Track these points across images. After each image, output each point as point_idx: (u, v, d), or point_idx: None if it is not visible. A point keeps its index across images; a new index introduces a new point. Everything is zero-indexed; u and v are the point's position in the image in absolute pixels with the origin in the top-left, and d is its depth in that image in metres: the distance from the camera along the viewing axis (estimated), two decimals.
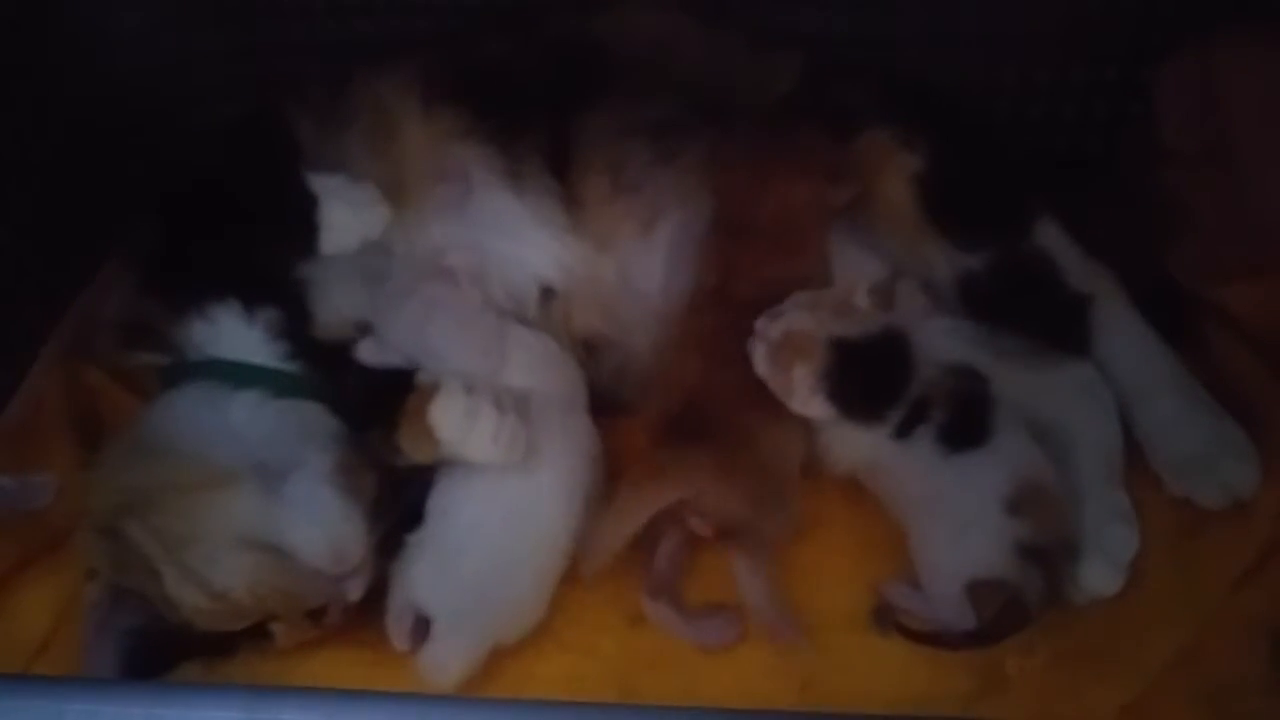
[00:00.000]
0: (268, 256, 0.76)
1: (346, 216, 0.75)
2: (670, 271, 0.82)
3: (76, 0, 0.94)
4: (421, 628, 0.70)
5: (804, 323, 0.73)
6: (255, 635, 0.69)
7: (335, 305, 0.78)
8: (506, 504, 0.72)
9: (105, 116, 0.96)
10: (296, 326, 0.77)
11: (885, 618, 0.73)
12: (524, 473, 0.72)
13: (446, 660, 0.69)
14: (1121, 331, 0.81)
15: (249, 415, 0.74)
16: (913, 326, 0.79)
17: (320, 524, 0.68)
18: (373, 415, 0.72)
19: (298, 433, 0.73)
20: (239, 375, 0.75)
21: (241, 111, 0.88)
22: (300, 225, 0.75)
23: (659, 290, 0.83)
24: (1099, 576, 0.72)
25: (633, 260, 0.83)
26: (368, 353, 0.77)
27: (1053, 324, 0.81)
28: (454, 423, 0.69)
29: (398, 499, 0.74)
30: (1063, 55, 0.95)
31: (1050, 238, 0.82)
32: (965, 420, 0.74)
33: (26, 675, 0.71)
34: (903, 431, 0.75)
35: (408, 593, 0.70)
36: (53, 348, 0.87)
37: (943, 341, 0.80)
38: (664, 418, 0.75)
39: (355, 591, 0.70)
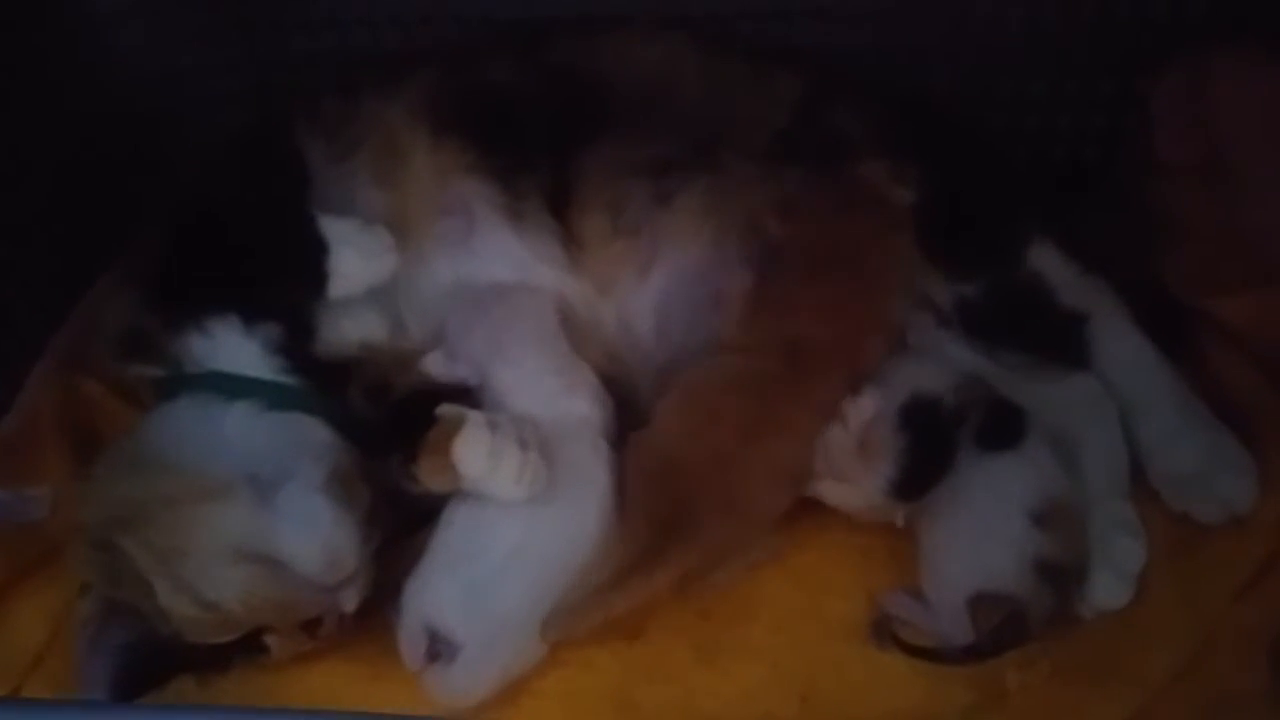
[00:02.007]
0: (273, 292, 0.76)
1: (356, 265, 0.75)
2: (663, 318, 0.82)
3: (76, 13, 0.94)
4: (435, 648, 0.69)
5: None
6: (250, 649, 0.69)
7: (339, 326, 0.78)
8: (545, 537, 0.71)
9: (104, 129, 0.96)
10: (295, 342, 0.77)
11: (882, 631, 0.73)
12: (565, 505, 0.71)
13: (469, 687, 0.68)
14: (1119, 346, 0.81)
15: (243, 427, 0.73)
16: (930, 341, 0.80)
17: (313, 533, 0.68)
18: (391, 442, 0.72)
19: (292, 444, 0.73)
20: (234, 387, 0.75)
21: (244, 124, 0.88)
22: (309, 271, 0.75)
23: (653, 336, 0.83)
24: (1107, 589, 0.72)
25: (630, 305, 0.83)
26: (436, 366, 0.77)
27: (1049, 344, 0.82)
28: (479, 461, 0.68)
29: (393, 511, 0.74)
30: (1058, 68, 0.95)
31: (1045, 259, 0.83)
32: (1001, 421, 0.75)
33: (21, 699, 0.70)
34: None
35: (430, 616, 0.69)
36: (49, 360, 0.87)
37: (957, 353, 0.81)
38: (661, 467, 0.73)
39: (350, 602, 0.70)
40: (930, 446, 0.73)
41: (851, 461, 0.74)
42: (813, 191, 0.80)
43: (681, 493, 0.72)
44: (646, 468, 0.74)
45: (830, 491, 0.75)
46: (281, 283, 0.76)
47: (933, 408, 0.74)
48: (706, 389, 0.76)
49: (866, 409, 0.74)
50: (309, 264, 0.75)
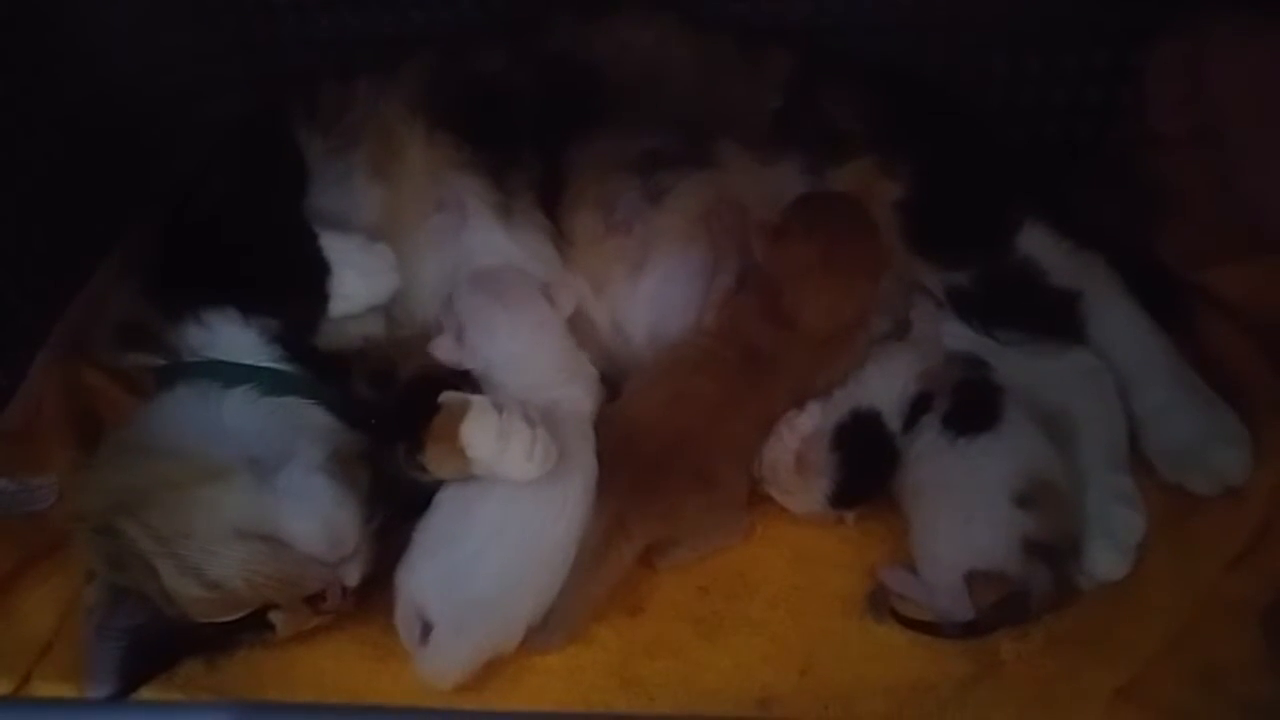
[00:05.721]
0: (274, 307, 0.77)
1: (358, 286, 0.76)
2: (655, 321, 0.83)
3: (68, 1, 0.94)
4: (429, 628, 0.70)
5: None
6: (256, 628, 0.69)
7: (339, 320, 0.78)
8: (525, 519, 0.71)
9: (97, 116, 0.96)
10: (294, 334, 0.77)
11: (880, 604, 0.74)
12: (546, 488, 0.71)
13: (445, 666, 0.69)
14: (1113, 321, 0.82)
15: (241, 412, 0.74)
16: (928, 319, 0.82)
17: (314, 511, 0.68)
18: (397, 432, 0.72)
19: (290, 427, 0.74)
20: (232, 374, 0.75)
21: (241, 114, 0.87)
22: (312, 292, 0.76)
23: (645, 338, 0.83)
24: (1106, 560, 0.73)
25: (623, 306, 0.83)
26: (443, 351, 0.77)
27: (1044, 324, 0.82)
28: (489, 443, 0.68)
29: (394, 491, 0.74)
30: (1053, 42, 0.95)
31: (1036, 242, 0.82)
32: (970, 407, 0.76)
33: (12, 697, 0.71)
34: (907, 426, 0.77)
35: (413, 597, 0.70)
36: (50, 349, 0.88)
37: (950, 328, 0.82)
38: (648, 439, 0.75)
39: (352, 576, 0.70)
40: (863, 463, 0.76)
41: (791, 476, 0.76)
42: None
43: (649, 457, 0.74)
44: (618, 433, 0.76)
45: (777, 497, 0.78)
46: (283, 301, 0.77)
47: (869, 424, 0.77)
48: (678, 368, 0.79)
49: (804, 426, 0.77)
50: (311, 285, 0.75)
